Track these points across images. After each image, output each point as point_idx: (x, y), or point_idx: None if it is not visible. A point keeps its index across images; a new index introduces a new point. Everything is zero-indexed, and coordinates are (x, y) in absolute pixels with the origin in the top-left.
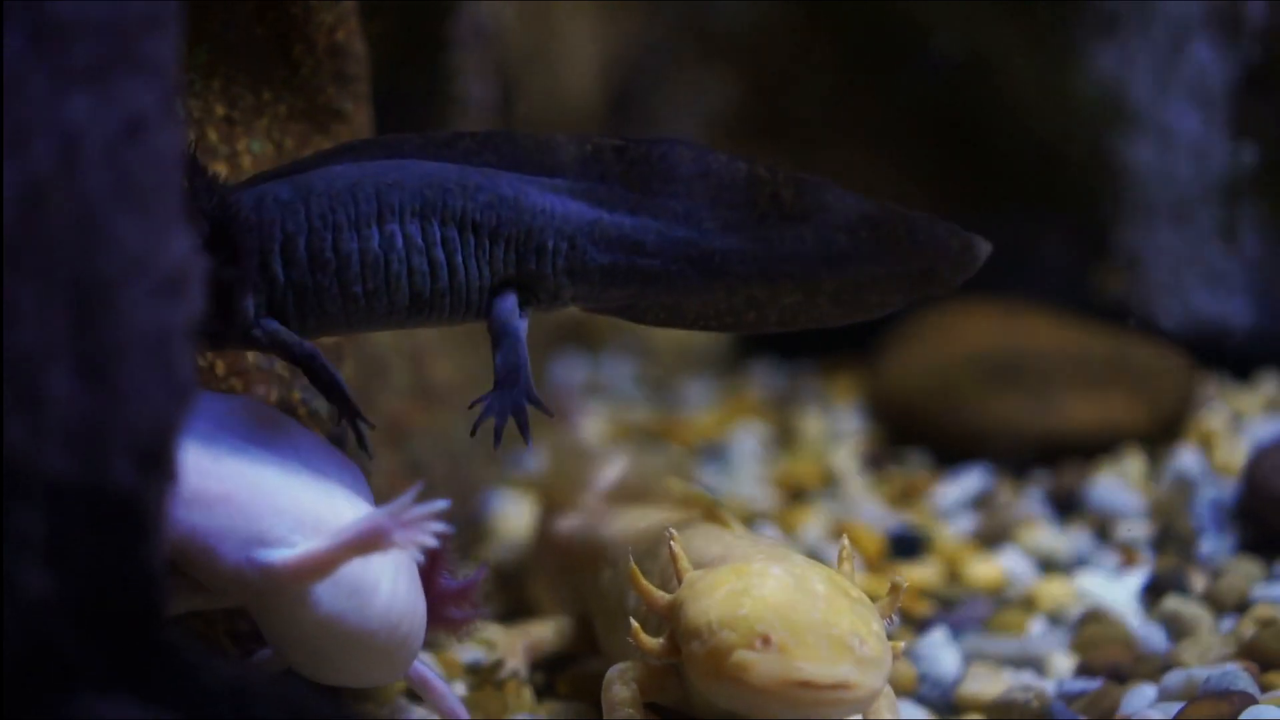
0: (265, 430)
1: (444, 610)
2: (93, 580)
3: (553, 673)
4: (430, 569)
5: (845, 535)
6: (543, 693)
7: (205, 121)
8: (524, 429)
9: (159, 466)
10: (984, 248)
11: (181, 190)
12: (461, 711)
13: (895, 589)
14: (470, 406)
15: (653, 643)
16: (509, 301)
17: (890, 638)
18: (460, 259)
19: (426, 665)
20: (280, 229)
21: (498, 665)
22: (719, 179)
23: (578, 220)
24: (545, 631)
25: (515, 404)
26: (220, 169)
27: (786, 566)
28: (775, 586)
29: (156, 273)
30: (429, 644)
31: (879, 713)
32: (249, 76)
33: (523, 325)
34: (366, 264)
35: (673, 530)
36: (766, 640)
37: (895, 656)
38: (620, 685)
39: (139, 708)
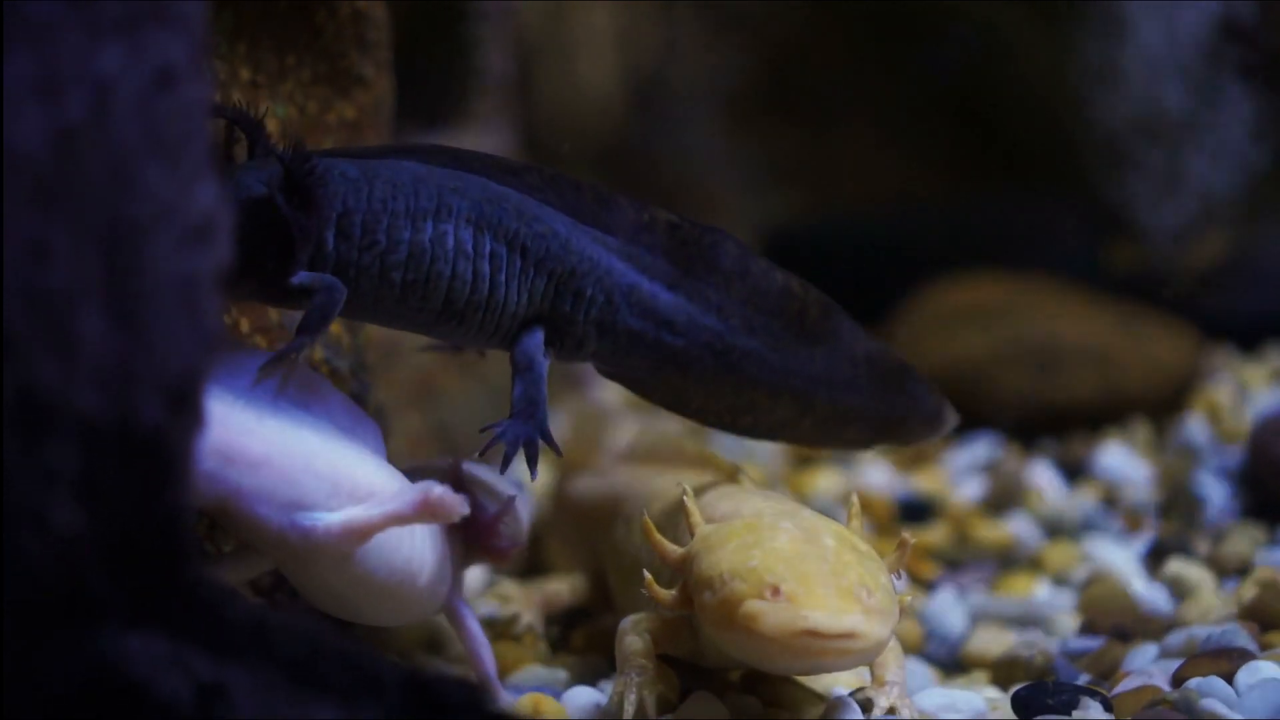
0: (299, 389)
1: (489, 542)
2: (121, 517)
3: (568, 627)
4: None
5: (855, 493)
6: (557, 646)
7: (230, 85)
8: (532, 462)
9: (186, 407)
10: (952, 419)
11: (209, 140)
12: (487, 655)
13: (903, 545)
14: (482, 431)
15: (666, 594)
16: (536, 337)
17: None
18: (503, 277)
19: (467, 606)
20: (341, 201)
21: (513, 619)
22: (755, 282)
23: (619, 279)
24: (561, 587)
25: (528, 436)
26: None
27: (797, 521)
28: (785, 540)
29: (185, 220)
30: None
31: (885, 667)
32: (273, 41)
33: (545, 364)
34: (413, 254)
35: (685, 485)
36: (776, 590)
37: (902, 610)
38: (634, 635)
39: (165, 642)
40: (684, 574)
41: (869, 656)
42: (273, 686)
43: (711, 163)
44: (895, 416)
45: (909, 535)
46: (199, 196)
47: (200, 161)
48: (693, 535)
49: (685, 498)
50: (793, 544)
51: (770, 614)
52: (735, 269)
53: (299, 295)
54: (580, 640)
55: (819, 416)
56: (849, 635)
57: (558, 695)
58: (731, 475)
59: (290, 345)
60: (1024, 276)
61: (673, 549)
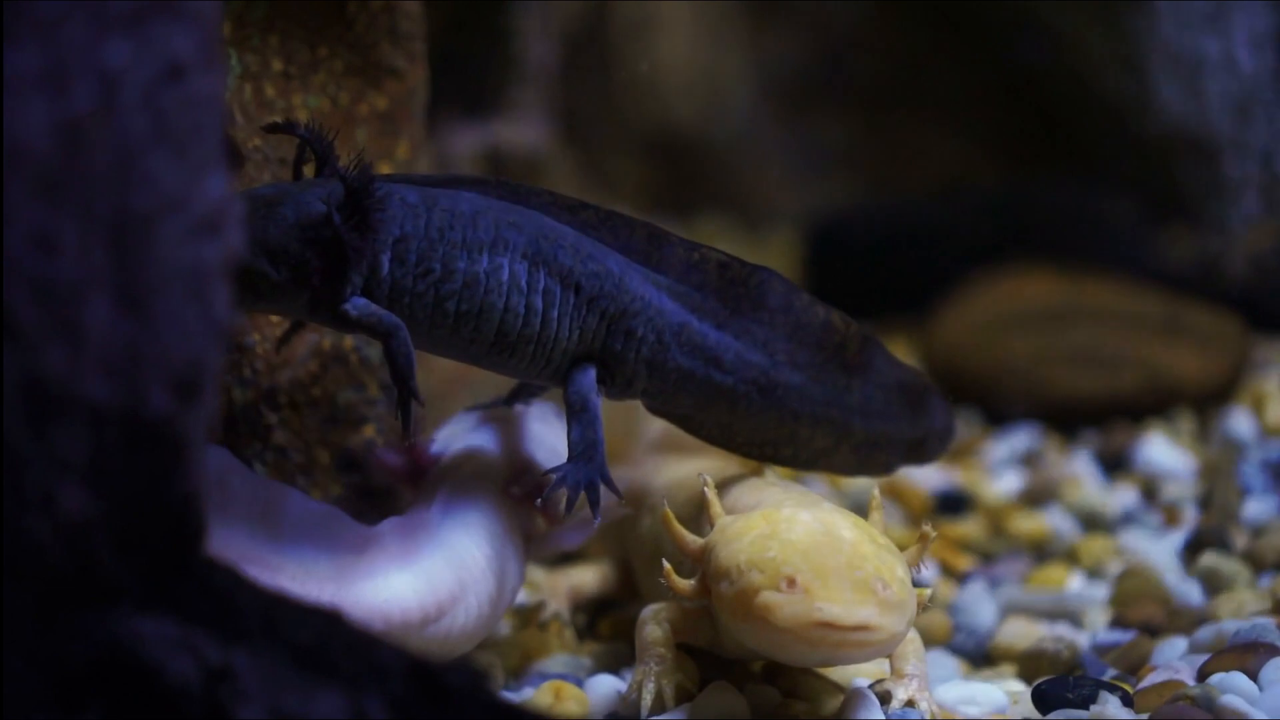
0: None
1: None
2: (131, 502)
3: (595, 615)
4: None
5: (876, 487)
6: (584, 634)
7: (263, 76)
8: (594, 505)
9: (194, 396)
10: (956, 434)
11: (220, 134)
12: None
13: (924, 538)
14: (543, 475)
15: (684, 584)
16: (590, 377)
17: (920, 586)
18: (555, 314)
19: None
20: (399, 226)
21: (540, 606)
22: (799, 318)
23: (670, 318)
24: (588, 576)
25: (589, 480)
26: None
27: (815, 513)
28: (803, 531)
29: (193, 212)
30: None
31: (905, 659)
32: (305, 32)
33: (599, 403)
34: (467, 285)
35: (706, 476)
36: (792, 582)
37: (921, 605)
38: (653, 625)
39: (175, 625)
40: (703, 565)
41: (885, 650)
42: (279, 671)
43: (764, 150)
44: (919, 437)
45: (929, 528)
46: (208, 188)
47: (210, 154)
48: (712, 526)
49: (706, 489)
50: (810, 536)
51: (785, 606)
52: (780, 305)
53: (356, 324)
54: (607, 628)
55: (854, 444)
56: (863, 628)
57: (580, 683)
58: (755, 468)
59: (404, 409)
60: (1074, 266)
61: (692, 539)
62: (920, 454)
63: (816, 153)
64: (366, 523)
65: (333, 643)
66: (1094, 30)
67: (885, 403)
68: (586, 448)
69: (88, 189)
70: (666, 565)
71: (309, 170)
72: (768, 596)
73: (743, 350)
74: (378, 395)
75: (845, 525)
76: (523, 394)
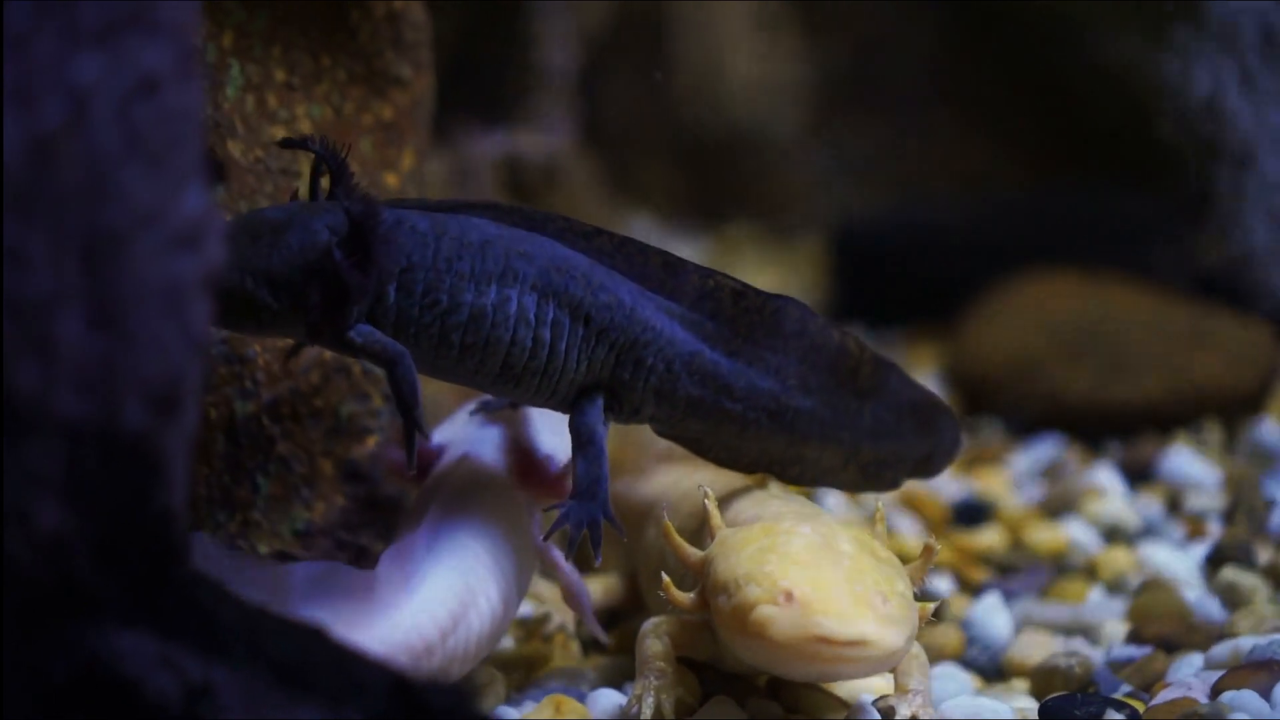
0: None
1: (545, 493)
2: (109, 517)
3: (601, 627)
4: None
5: (880, 500)
6: (590, 646)
7: (265, 87)
8: (596, 545)
9: (172, 411)
10: (962, 447)
11: (199, 148)
12: (584, 593)
13: (928, 551)
14: (546, 511)
15: (684, 597)
16: (597, 408)
17: (925, 600)
18: (563, 345)
19: (554, 547)
20: (407, 256)
21: (545, 618)
22: (812, 342)
23: (680, 347)
24: (594, 588)
25: (592, 519)
26: (279, 132)
27: (815, 526)
28: (801, 545)
29: (169, 226)
30: None
31: (908, 674)
32: (308, 42)
33: (605, 434)
34: (473, 318)
35: (706, 488)
36: (789, 596)
37: (923, 619)
38: (653, 639)
39: (157, 641)
40: (702, 577)
41: (884, 665)
42: (259, 687)
43: (793, 156)
44: (925, 454)
45: (933, 541)
46: (185, 202)
47: (188, 167)
48: (713, 538)
49: (706, 501)
50: (809, 549)
51: (782, 619)
52: (795, 331)
53: (360, 350)
54: (613, 641)
55: (862, 463)
56: (860, 643)
57: (583, 697)
58: (759, 480)
59: (408, 438)
60: (1102, 272)
61: (692, 552)
62: (927, 468)
63: (846, 158)
64: (371, 533)
65: (314, 659)
66: (1127, 35)
67: (896, 423)
68: (590, 484)
69: (58, 204)
70: (665, 578)
71: (325, 183)
72: (764, 610)
73: (754, 377)
74: (380, 406)
75: (845, 539)
76: None
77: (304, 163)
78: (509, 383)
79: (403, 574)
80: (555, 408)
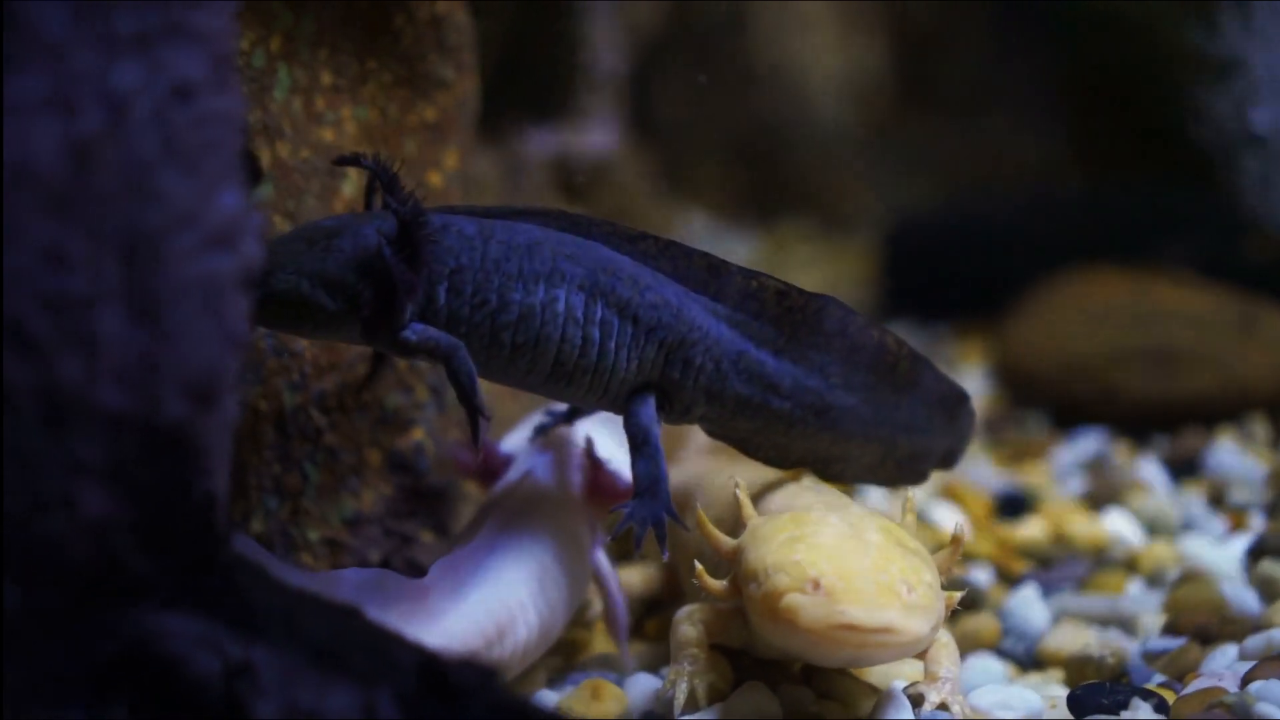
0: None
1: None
2: (152, 503)
3: (641, 615)
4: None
5: (909, 490)
6: (630, 633)
7: (312, 89)
8: (662, 541)
9: (210, 402)
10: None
11: (235, 151)
12: (623, 615)
13: (955, 541)
14: (610, 512)
15: (716, 584)
16: (650, 408)
17: (954, 589)
18: (613, 345)
19: (608, 563)
20: (455, 258)
21: (586, 606)
22: (853, 341)
23: (728, 346)
24: (634, 576)
25: (656, 517)
26: (326, 134)
27: (844, 516)
28: (830, 534)
29: (205, 226)
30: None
31: (937, 661)
32: (354, 45)
33: (659, 433)
34: (523, 316)
35: (738, 479)
36: (817, 584)
37: (949, 607)
38: (687, 625)
39: (199, 622)
40: (734, 565)
41: (910, 651)
42: (295, 666)
43: (845, 151)
44: (948, 447)
45: (961, 530)
46: (222, 202)
47: (224, 170)
48: (744, 528)
49: (738, 491)
50: (837, 539)
51: (809, 607)
52: (837, 330)
53: (416, 349)
54: (652, 628)
55: (898, 458)
56: (886, 630)
57: (621, 682)
58: (794, 473)
59: (472, 425)
60: (1151, 268)
61: (725, 540)
62: (949, 460)
63: (898, 155)
64: (417, 523)
65: (348, 640)
66: (1182, 31)
67: (928, 418)
68: (650, 483)
69: (98, 206)
70: (698, 565)
71: (378, 200)
72: (793, 598)
73: (800, 376)
74: (426, 399)
75: (873, 529)
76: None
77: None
78: (561, 382)
79: (454, 583)
80: (608, 408)
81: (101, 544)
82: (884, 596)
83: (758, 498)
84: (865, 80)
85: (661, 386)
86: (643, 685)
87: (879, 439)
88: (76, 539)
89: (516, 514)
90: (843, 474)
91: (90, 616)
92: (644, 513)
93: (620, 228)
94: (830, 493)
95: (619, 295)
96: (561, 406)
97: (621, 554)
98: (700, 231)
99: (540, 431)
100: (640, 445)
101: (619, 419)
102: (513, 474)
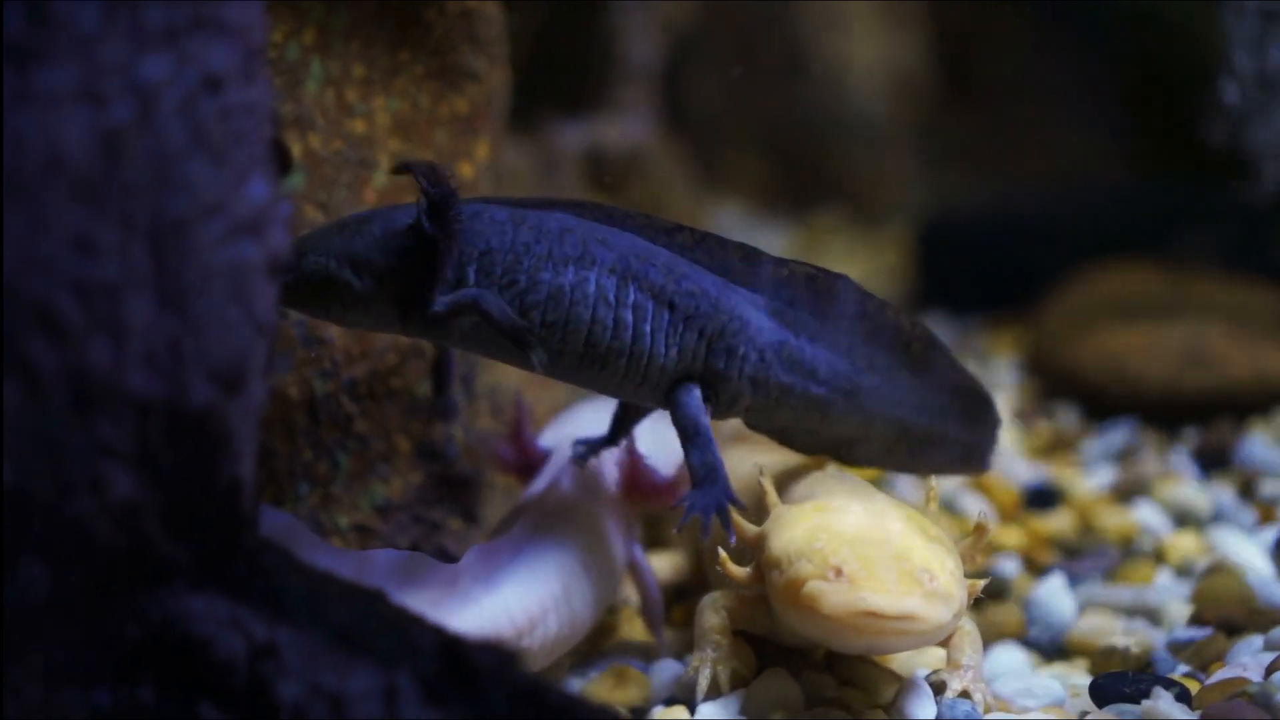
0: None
1: (658, 501)
2: (179, 487)
3: (669, 602)
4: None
5: (933, 479)
6: None
7: (345, 81)
8: (727, 525)
9: (237, 388)
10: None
11: (263, 142)
12: (659, 605)
13: (979, 530)
14: (674, 506)
15: (740, 571)
16: (695, 398)
17: (977, 578)
18: (648, 328)
19: (644, 558)
20: (485, 241)
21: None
22: (873, 322)
23: (770, 337)
24: (662, 564)
25: (719, 503)
26: (358, 125)
27: (866, 504)
28: (853, 522)
29: (232, 215)
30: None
31: (960, 650)
32: (386, 38)
33: (708, 423)
34: (552, 296)
35: (762, 467)
36: (839, 572)
37: (972, 596)
38: (711, 613)
39: (226, 604)
40: (758, 553)
41: (932, 639)
42: (319, 648)
43: (882, 143)
44: (975, 445)
45: (984, 520)
46: (249, 192)
47: (251, 160)
48: (768, 516)
49: (762, 479)
50: (859, 527)
51: (831, 594)
52: (856, 311)
53: (447, 318)
54: (680, 615)
55: (913, 441)
56: (908, 617)
57: (646, 668)
58: (818, 461)
59: (522, 346)
60: (1184, 262)
61: (749, 528)
62: (976, 463)
63: (935, 148)
64: (446, 510)
65: (370, 622)
66: (1217, 25)
67: (944, 404)
68: (708, 472)
69: (127, 195)
70: (722, 553)
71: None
72: (815, 585)
73: (832, 360)
74: (456, 388)
75: (896, 517)
76: (625, 425)
77: (381, 155)
78: (594, 365)
79: (487, 570)
80: (650, 399)
81: (129, 527)
82: (906, 584)
83: (781, 485)
84: (904, 73)
85: (705, 378)
86: (667, 671)
87: (897, 420)
88: (104, 522)
89: (552, 509)
90: (864, 457)
91: (118, 598)
92: (706, 501)
93: (656, 220)
94: (854, 480)
95: (652, 281)
96: (598, 429)
97: (652, 541)
98: (734, 222)
99: (580, 457)
100: (692, 436)
101: (656, 417)
102: (550, 470)
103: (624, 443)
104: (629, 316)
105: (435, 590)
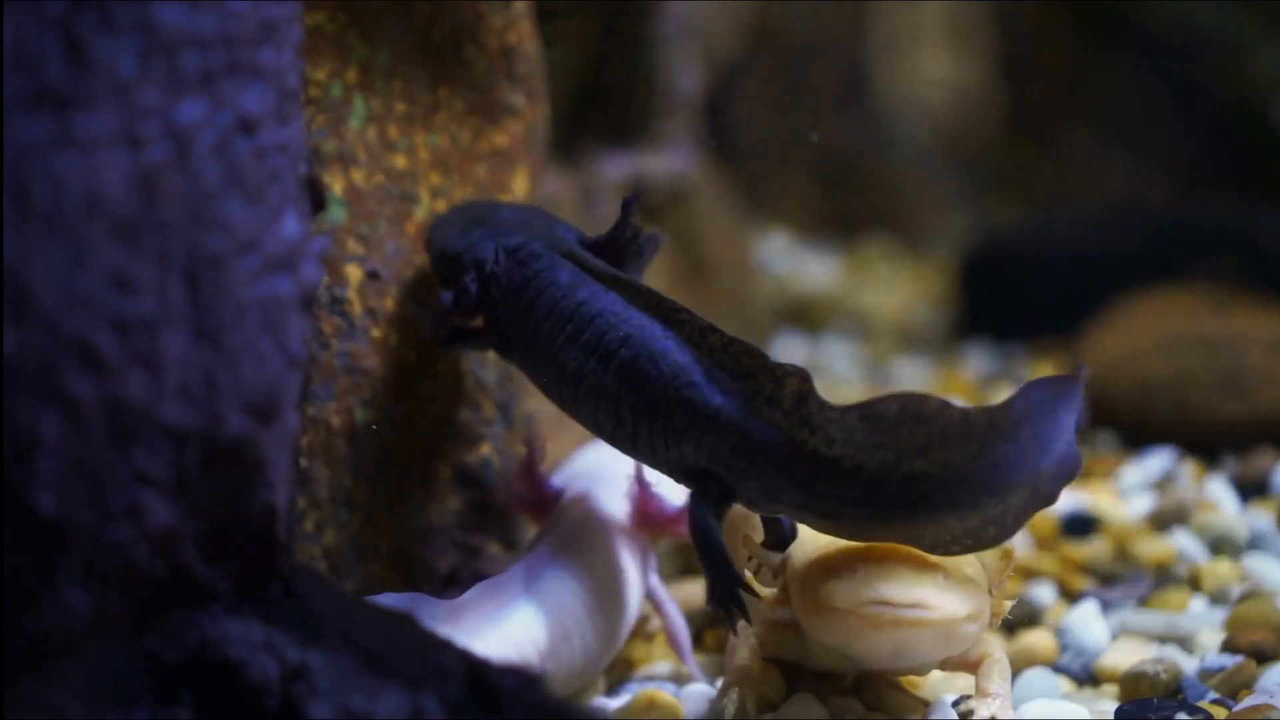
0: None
1: (668, 531)
2: (216, 515)
3: (701, 627)
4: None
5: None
6: (692, 644)
7: (387, 118)
8: (744, 613)
9: (272, 418)
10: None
11: (296, 180)
12: (684, 637)
13: (1007, 555)
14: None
15: (767, 592)
16: (699, 507)
17: (1009, 601)
18: (646, 430)
19: (663, 589)
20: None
21: (646, 619)
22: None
23: (773, 454)
24: (696, 588)
25: (731, 597)
26: (399, 161)
27: None
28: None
29: (266, 251)
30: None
31: (988, 677)
32: (427, 75)
33: (716, 529)
34: (559, 373)
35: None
36: (854, 570)
37: (998, 616)
38: (741, 639)
39: (261, 627)
40: (782, 576)
41: (950, 638)
42: (349, 671)
43: (928, 170)
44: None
45: (1012, 545)
46: (282, 229)
47: (285, 198)
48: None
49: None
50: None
51: (845, 589)
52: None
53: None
54: (711, 640)
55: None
56: (919, 604)
57: (678, 693)
58: None
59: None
60: (1233, 288)
61: (773, 555)
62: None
63: (982, 174)
64: (484, 535)
65: (398, 645)
66: (1264, 50)
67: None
68: (715, 577)
69: (164, 233)
70: (749, 574)
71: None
72: (830, 584)
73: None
74: (493, 415)
75: None
76: None
77: (422, 188)
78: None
79: (494, 604)
80: (675, 478)
81: (167, 553)
82: (918, 576)
83: None
84: (964, 99)
85: (717, 479)
86: (699, 695)
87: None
88: (143, 548)
89: (568, 538)
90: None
91: (157, 622)
92: (716, 597)
93: (697, 320)
94: None
95: (653, 385)
96: (613, 466)
97: (686, 569)
98: (780, 249)
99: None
100: (699, 549)
101: None
102: (568, 497)
103: (633, 473)
104: (629, 416)
105: (439, 627)
